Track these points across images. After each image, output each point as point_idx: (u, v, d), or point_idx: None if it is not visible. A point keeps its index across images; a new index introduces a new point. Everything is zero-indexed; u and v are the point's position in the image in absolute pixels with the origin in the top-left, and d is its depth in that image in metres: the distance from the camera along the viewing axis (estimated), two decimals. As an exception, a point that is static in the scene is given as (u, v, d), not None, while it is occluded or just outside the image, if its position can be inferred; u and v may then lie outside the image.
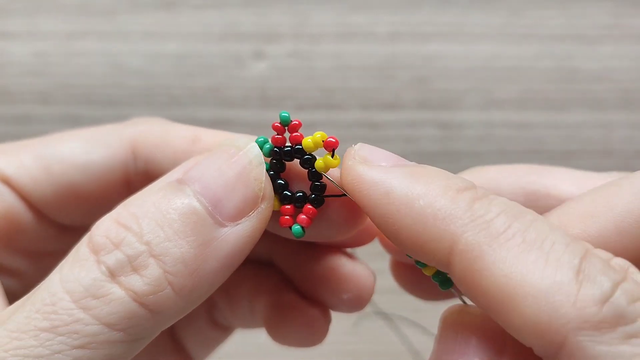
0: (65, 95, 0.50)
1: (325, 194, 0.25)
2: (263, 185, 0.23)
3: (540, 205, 0.28)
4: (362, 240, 0.29)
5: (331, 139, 0.24)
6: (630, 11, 0.52)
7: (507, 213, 0.21)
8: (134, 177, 0.29)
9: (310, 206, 0.25)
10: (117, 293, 0.21)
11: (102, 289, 0.21)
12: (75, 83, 0.50)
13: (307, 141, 0.24)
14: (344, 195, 0.24)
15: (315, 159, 0.24)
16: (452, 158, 0.51)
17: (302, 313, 0.30)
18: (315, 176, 0.25)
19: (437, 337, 0.24)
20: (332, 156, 0.24)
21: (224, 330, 0.34)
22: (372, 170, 0.23)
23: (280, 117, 0.25)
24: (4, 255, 0.28)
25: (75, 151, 0.29)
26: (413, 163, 0.24)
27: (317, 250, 0.30)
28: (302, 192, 0.25)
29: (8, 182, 0.28)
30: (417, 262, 0.23)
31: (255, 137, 0.25)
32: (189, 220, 0.22)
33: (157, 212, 0.22)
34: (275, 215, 0.25)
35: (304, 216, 0.25)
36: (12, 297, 0.26)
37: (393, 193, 0.22)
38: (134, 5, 0.50)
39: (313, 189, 0.25)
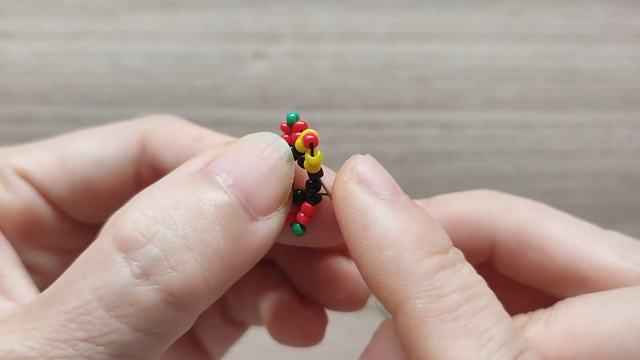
0: (65, 95, 0.50)
1: (320, 192, 0.25)
2: (292, 181, 0.24)
3: (484, 233, 0.28)
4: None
5: (309, 136, 0.24)
6: (630, 11, 0.52)
7: (463, 292, 0.21)
8: (144, 171, 0.30)
9: (308, 204, 0.25)
10: (151, 298, 0.20)
11: (136, 294, 0.20)
12: (75, 83, 0.50)
13: (298, 142, 0.24)
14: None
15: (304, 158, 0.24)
16: (452, 158, 0.51)
17: (298, 314, 0.30)
18: (313, 175, 0.25)
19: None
20: (312, 153, 0.24)
21: (239, 326, 0.34)
22: (361, 196, 0.23)
23: (287, 117, 0.25)
24: (25, 250, 0.29)
25: (90, 147, 0.29)
26: (405, 197, 0.24)
27: (314, 249, 0.30)
28: (301, 189, 0.25)
29: (27, 178, 0.28)
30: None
31: (275, 134, 0.25)
32: (225, 213, 0.22)
33: (190, 203, 0.21)
34: None
35: (303, 214, 0.25)
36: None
37: (369, 231, 0.22)
38: (134, 5, 0.50)
39: (307, 186, 0.25)
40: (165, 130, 0.30)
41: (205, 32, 0.50)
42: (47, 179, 0.29)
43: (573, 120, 0.51)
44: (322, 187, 0.25)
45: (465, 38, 0.51)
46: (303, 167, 0.25)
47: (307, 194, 0.25)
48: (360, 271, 0.23)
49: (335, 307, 0.30)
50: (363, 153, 0.25)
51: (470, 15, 0.51)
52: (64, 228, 0.30)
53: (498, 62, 0.51)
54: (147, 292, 0.20)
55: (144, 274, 0.20)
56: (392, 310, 0.22)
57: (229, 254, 0.22)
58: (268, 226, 0.23)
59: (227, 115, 0.50)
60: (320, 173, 0.25)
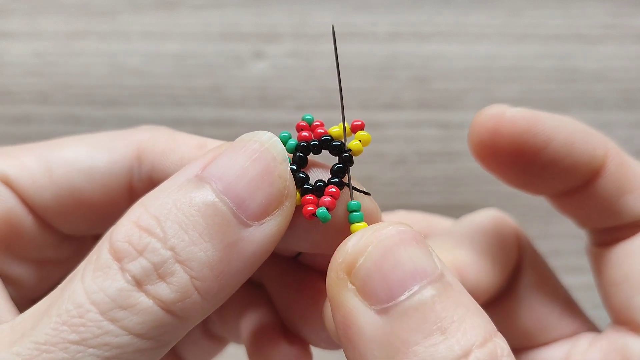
0: (65, 95, 0.50)
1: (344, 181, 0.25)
2: (287, 183, 0.23)
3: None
4: None
5: (357, 122, 0.25)
6: (630, 11, 0.52)
7: None
8: (137, 184, 0.28)
9: (332, 188, 0.24)
10: (144, 303, 0.21)
11: (129, 299, 0.20)
12: (75, 83, 0.50)
13: (334, 130, 0.25)
14: (367, 193, 0.25)
15: (344, 145, 0.25)
16: (452, 158, 0.51)
17: (280, 349, 0.29)
18: (347, 161, 0.25)
19: None
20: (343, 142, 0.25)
21: (220, 342, 0.34)
22: (365, 317, 0.21)
23: (305, 118, 0.26)
24: (3, 260, 0.27)
25: (79, 155, 0.28)
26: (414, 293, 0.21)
27: (304, 278, 0.29)
28: (322, 181, 0.25)
29: (8, 183, 0.27)
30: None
31: (270, 133, 0.24)
32: (213, 222, 0.21)
33: (179, 213, 0.21)
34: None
35: (328, 198, 0.24)
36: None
37: (352, 344, 0.21)
38: (134, 5, 0.50)
39: (334, 171, 0.25)
40: (163, 140, 0.28)
41: (205, 32, 0.50)
42: (31, 187, 0.27)
43: (573, 120, 0.51)
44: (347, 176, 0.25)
45: (465, 38, 0.51)
46: (335, 154, 0.25)
47: (331, 180, 0.25)
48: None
49: (318, 344, 0.29)
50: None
51: (470, 15, 0.51)
52: (46, 239, 0.28)
53: (498, 62, 0.51)
54: (139, 298, 0.21)
55: (137, 283, 0.21)
56: None
57: (219, 263, 0.21)
58: (263, 231, 0.22)
59: (227, 115, 0.50)
60: (351, 161, 0.25)
